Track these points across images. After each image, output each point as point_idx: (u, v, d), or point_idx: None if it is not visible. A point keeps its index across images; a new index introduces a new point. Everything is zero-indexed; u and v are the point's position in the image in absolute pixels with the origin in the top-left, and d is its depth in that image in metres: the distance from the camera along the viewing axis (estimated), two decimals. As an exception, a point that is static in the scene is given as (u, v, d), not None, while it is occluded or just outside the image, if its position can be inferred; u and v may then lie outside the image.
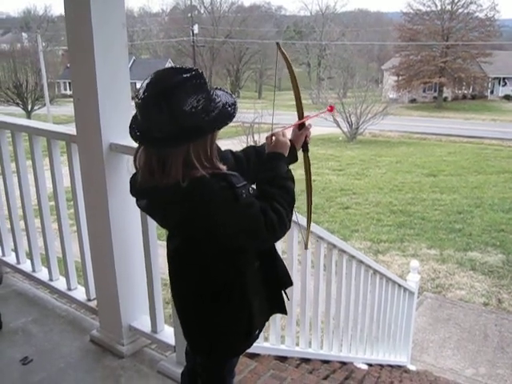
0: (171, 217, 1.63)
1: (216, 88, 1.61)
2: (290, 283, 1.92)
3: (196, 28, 52.31)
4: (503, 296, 8.46)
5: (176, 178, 1.49)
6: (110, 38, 2.37)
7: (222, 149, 1.81)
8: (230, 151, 1.92)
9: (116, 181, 2.51)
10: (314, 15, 66.04)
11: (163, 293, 2.80)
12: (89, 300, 3.09)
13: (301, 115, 1.92)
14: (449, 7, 48.86)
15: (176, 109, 1.46)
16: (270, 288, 1.84)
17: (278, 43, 1.86)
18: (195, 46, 52.98)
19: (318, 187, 14.71)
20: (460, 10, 49.11)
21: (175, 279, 1.83)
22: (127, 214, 2.57)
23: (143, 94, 1.48)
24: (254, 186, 1.70)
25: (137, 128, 1.55)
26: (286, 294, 1.94)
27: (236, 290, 1.72)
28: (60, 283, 3.30)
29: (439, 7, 49.19)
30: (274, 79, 62.94)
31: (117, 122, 2.44)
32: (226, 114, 1.55)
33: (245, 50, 60.99)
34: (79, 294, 3.18)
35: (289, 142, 1.82)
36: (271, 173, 1.73)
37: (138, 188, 1.62)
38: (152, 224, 2.52)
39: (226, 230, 1.56)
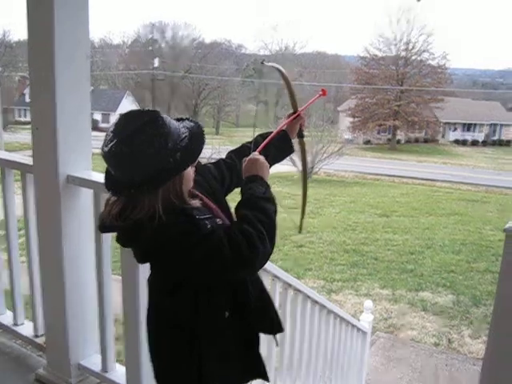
0: (135, 253, 1.63)
1: (182, 119, 1.59)
2: (278, 330, 1.86)
3: (156, 61, 52.46)
4: (453, 336, 8.56)
5: (140, 219, 1.48)
6: (72, 70, 2.35)
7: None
8: (216, 165, 1.91)
9: (72, 214, 2.45)
10: (274, 55, 66.97)
11: (115, 329, 2.71)
12: (36, 336, 2.97)
13: (295, 108, 2.03)
14: (403, 54, 50.51)
15: (141, 155, 1.45)
16: (242, 344, 1.75)
17: (263, 61, 1.93)
18: (154, 80, 53.01)
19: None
20: (414, 57, 50.81)
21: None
22: (81, 247, 2.51)
23: (107, 145, 1.47)
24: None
25: (109, 179, 1.53)
26: (275, 339, 1.93)
27: (183, 340, 1.65)
28: (6, 318, 3.17)
29: (394, 53, 50.79)
30: (231, 115, 63.55)
31: (76, 153, 2.40)
32: (195, 148, 1.53)
33: (204, 86, 61.29)
34: (26, 329, 3.05)
35: (262, 159, 1.76)
36: (245, 196, 1.65)
37: (100, 224, 1.59)
38: (107, 258, 2.46)
39: (185, 267, 1.52)
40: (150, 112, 1.50)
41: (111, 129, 1.49)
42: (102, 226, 1.59)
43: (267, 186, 1.68)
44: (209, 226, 1.51)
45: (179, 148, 1.49)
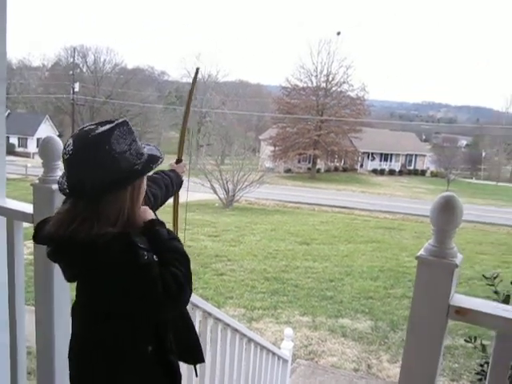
0: (72, 268, 1.59)
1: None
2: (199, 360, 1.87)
3: (77, 86, 51.44)
4: (372, 361, 8.69)
5: (91, 233, 1.45)
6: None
7: None
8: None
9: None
10: (196, 82, 67.23)
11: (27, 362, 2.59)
12: None
13: (181, 152, 2.43)
14: (324, 85, 52.10)
15: (105, 157, 1.45)
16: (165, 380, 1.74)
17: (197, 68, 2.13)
18: (75, 104, 51.99)
19: (193, 253, 14.57)
20: (334, 88, 52.46)
21: None
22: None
23: (71, 149, 1.46)
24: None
25: (66, 183, 1.51)
26: (195, 369, 1.92)
27: (105, 369, 1.63)
28: None
29: (315, 84, 52.30)
30: (153, 142, 62.97)
31: (-12, 178, 2.30)
32: (155, 157, 1.59)
33: (125, 112, 60.56)
34: None
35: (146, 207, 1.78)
36: (156, 240, 1.64)
37: (45, 235, 1.54)
38: (20, 287, 2.36)
39: (119, 293, 1.51)
40: (111, 120, 1.53)
41: (75, 135, 1.49)
42: (49, 239, 1.55)
43: (166, 227, 1.73)
44: (146, 258, 1.49)
45: (143, 152, 1.55)
